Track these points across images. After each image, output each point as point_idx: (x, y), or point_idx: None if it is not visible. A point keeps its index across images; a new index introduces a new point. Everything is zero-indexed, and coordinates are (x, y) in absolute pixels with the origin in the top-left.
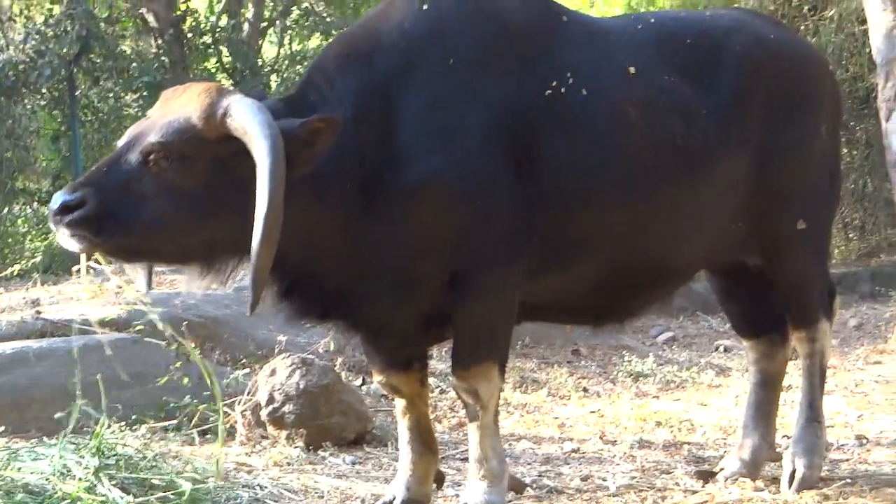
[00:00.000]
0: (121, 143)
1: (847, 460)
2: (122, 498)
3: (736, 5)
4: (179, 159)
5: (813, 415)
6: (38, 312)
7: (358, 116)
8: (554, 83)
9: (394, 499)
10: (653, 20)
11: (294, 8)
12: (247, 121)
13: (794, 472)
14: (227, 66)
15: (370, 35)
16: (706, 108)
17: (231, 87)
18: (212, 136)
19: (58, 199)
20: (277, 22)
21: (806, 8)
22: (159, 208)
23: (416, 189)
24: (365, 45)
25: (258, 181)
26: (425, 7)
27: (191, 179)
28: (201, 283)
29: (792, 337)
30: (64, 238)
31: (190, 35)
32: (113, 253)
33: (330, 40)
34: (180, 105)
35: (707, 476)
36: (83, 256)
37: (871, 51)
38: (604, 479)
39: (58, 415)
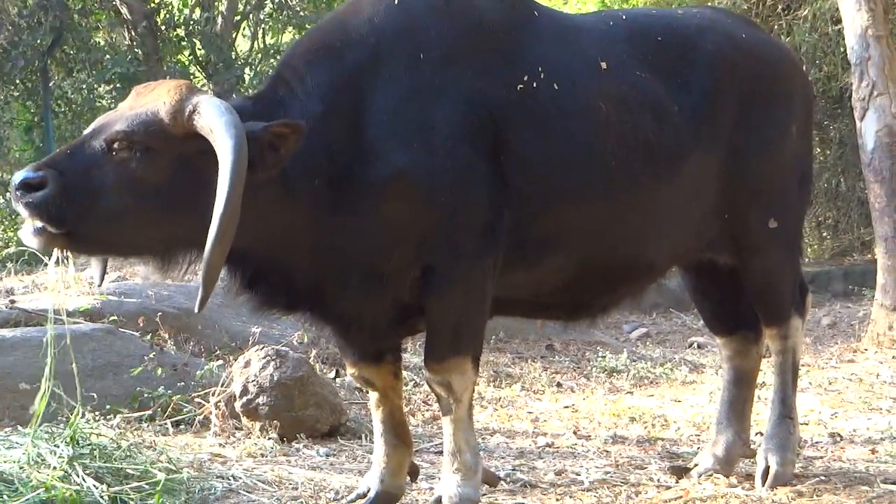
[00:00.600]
0: (87, 130)
1: (821, 458)
2: (96, 487)
3: (709, 4)
4: (143, 151)
5: (785, 411)
6: (12, 302)
7: (327, 111)
8: (525, 78)
9: (368, 491)
10: (625, 17)
11: (268, 2)
12: (213, 120)
13: (767, 468)
14: (200, 59)
15: (340, 30)
16: (678, 104)
17: (202, 87)
18: (178, 132)
19: (19, 175)
20: (251, 15)
21: (780, 7)
22: (119, 198)
23: (387, 184)
24: (335, 40)
25: (219, 181)
26: (396, 2)
27: (153, 173)
28: (159, 275)
29: (764, 334)
30: (26, 236)
31: (163, 27)
32: (72, 246)
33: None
34: (150, 100)
35: (681, 472)
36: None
37: (845, 50)
38: (577, 474)
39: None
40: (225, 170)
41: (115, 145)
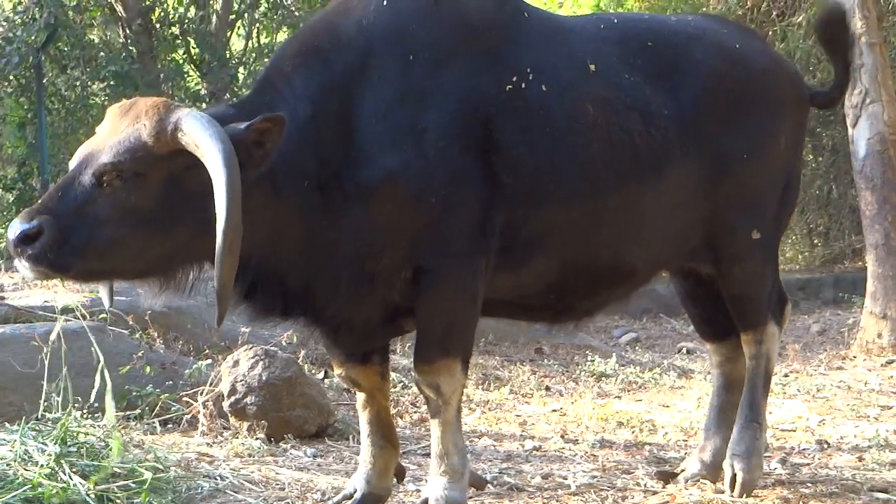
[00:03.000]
0: (72, 164)
1: (808, 465)
2: (82, 485)
3: (703, 10)
4: (133, 178)
5: (752, 415)
6: (2, 298)
7: (316, 114)
8: (514, 79)
9: (354, 492)
10: (616, 20)
11: (262, 1)
12: (198, 135)
13: (734, 476)
14: (194, 58)
15: (329, 31)
16: (665, 110)
17: (195, 86)
18: (163, 151)
19: (15, 227)
20: (246, 14)
21: (774, 13)
22: (115, 230)
23: (376, 186)
24: (323, 42)
25: (216, 195)
26: (385, 2)
27: (145, 197)
28: (160, 299)
29: (741, 339)
30: (24, 271)
31: (158, 25)
32: (73, 280)
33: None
34: (129, 122)
35: (668, 477)
36: None
37: None
38: (565, 478)
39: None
40: (220, 184)
41: (105, 178)
